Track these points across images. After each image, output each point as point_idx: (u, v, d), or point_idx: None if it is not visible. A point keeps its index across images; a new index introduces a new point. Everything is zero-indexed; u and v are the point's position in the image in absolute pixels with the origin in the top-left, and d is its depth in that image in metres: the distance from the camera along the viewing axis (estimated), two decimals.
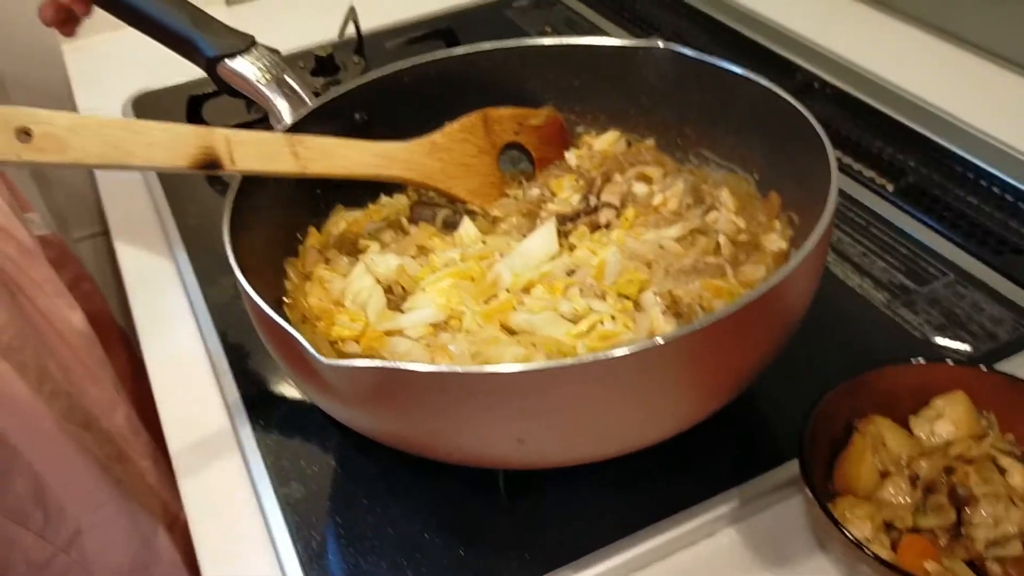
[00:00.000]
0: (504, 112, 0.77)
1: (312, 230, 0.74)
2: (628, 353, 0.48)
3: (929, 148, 0.93)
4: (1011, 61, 1.02)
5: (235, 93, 0.77)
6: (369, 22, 1.15)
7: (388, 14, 1.26)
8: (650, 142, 0.79)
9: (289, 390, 0.74)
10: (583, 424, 0.53)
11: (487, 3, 1.30)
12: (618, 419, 0.54)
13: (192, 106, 1.03)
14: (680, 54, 0.75)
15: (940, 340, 0.72)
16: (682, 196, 0.71)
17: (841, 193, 0.86)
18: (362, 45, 1.09)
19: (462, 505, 0.64)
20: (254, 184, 0.66)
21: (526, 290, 0.64)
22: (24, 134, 0.53)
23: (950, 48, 1.07)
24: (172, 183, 0.99)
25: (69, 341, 0.86)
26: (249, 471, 0.68)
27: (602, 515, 0.62)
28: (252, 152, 0.62)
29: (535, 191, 0.75)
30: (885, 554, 0.53)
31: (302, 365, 0.52)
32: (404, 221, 0.74)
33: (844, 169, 0.91)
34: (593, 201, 0.71)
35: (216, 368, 0.77)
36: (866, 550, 0.51)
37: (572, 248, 0.67)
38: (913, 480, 0.56)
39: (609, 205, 0.70)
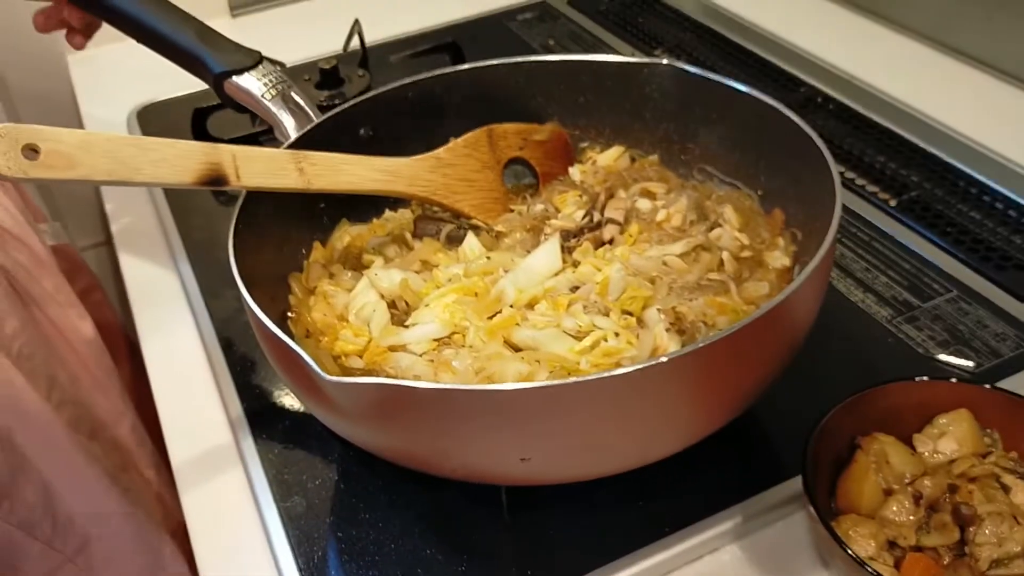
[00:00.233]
0: (508, 127, 0.78)
1: (316, 245, 0.74)
2: (632, 371, 0.49)
3: (932, 163, 0.93)
4: (1014, 76, 1.02)
5: (241, 108, 0.78)
6: (373, 34, 1.16)
7: (392, 26, 1.27)
8: (654, 158, 0.80)
9: (291, 403, 0.74)
10: (586, 442, 0.53)
11: (491, 16, 1.31)
12: (622, 437, 0.54)
13: (197, 118, 1.03)
14: (683, 71, 0.75)
15: (943, 356, 0.72)
16: (686, 212, 0.71)
17: (844, 208, 0.86)
18: (367, 58, 1.10)
19: (464, 520, 0.64)
20: (259, 199, 0.66)
21: (530, 306, 0.64)
22: (32, 151, 0.54)
23: (954, 63, 1.08)
24: (176, 195, 0.99)
25: (78, 351, 0.87)
26: (251, 484, 0.68)
27: (605, 531, 0.62)
28: (258, 168, 0.62)
29: (539, 207, 0.75)
30: (888, 573, 0.53)
31: (305, 381, 0.52)
32: (408, 236, 0.74)
33: (847, 183, 0.91)
34: (597, 217, 0.71)
35: (219, 380, 0.77)
36: (869, 569, 0.51)
37: (576, 264, 0.67)
38: (917, 498, 0.56)
39: (613, 221, 0.70)
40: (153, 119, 1.12)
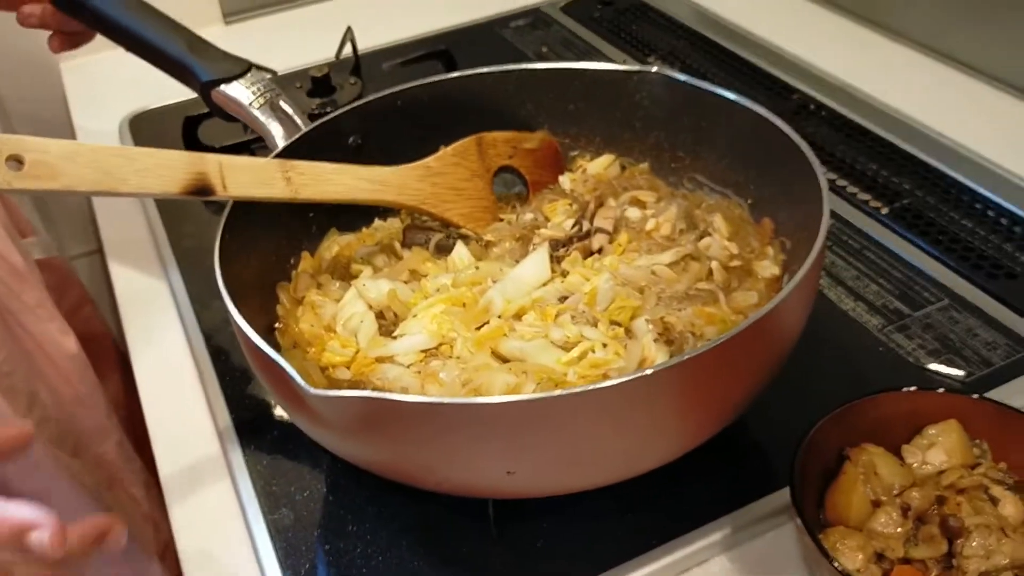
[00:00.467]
0: (498, 136, 0.78)
1: (305, 254, 0.74)
2: (619, 383, 0.48)
3: (924, 171, 0.93)
4: (1007, 83, 1.02)
5: (229, 117, 0.77)
6: (365, 41, 1.15)
7: (385, 34, 1.27)
8: (644, 166, 0.79)
9: (280, 414, 0.73)
10: (573, 454, 0.53)
11: (484, 23, 1.31)
12: (609, 449, 0.53)
13: (188, 126, 1.03)
14: (673, 79, 0.75)
15: (934, 365, 0.72)
16: (675, 221, 0.70)
17: (835, 215, 0.86)
18: (359, 66, 1.09)
19: (452, 533, 0.63)
20: (246, 209, 0.66)
21: (518, 316, 0.64)
22: (16, 162, 0.53)
23: (946, 70, 1.08)
24: (167, 203, 0.98)
25: (60, 366, 0.86)
26: (239, 496, 0.68)
27: (593, 543, 0.62)
28: (244, 178, 0.62)
29: (529, 215, 0.75)
30: None
31: (290, 394, 0.52)
32: (397, 245, 0.74)
33: (838, 191, 0.91)
34: (586, 226, 0.71)
35: (208, 391, 0.76)
36: None
37: (565, 274, 0.67)
38: (905, 510, 0.56)
39: (602, 230, 0.70)
40: (145, 127, 1.12)
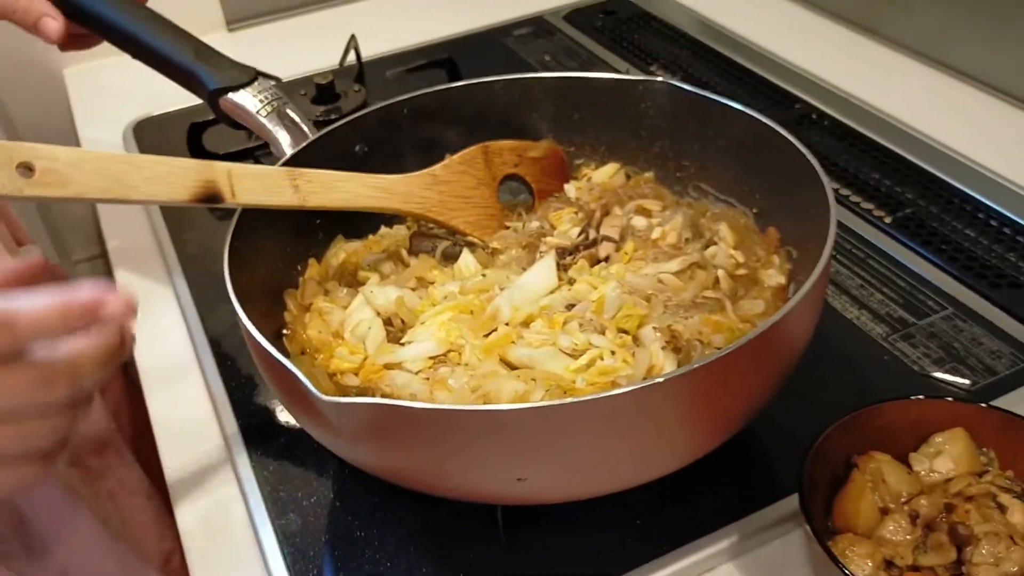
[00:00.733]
0: (504, 144, 0.78)
1: (312, 261, 0.74)
2: (629, 391, 0.49)
3: (927, 180, 0.93)
4: (1009, 94, 1.03)
5: (236, 124, 0.78)
6: (369, 49, 1.16)
7: (389, 42, 1.27)
8: (649, 175, 0.80)
9: (287, 420, 0.73)
10: (583, 461, 0.53)
11: (487, 31, 1.31)
12: (618, 456, 0.53)
13: (193, 133, 1.03)
14: (679, 88, 0.75)
15: (939, 374, 0.72)
16: (681, 230, 0.71)
17: (839, 225, 0.86)
18: (363, 73, 1.10)
19: (460, 539, 0.63)
20: (254, 216, 0.66)
21: (525, 324, 0.64)
22: (26, 169, 0.54)
23: (948, 80, 1.08)
24: (172, 209, 0.98)
25: None
26: (246, 502, 0.68)
27: (601, 550, 0.62)
28: (253, 186, 0.62)
29: (535, 224, 0.75)
30: None
31: (300, 400, 0.52)
32: (404, 252, 0.74)
33: (842, 200, 0.91)
34: (592, 234, 0.71)
35: (214, 397, 0.76)
36: None
37: (571, 282, 0.67)
38: (913, 518, 0.56)
39: (608, 239, 0.70)
40: (149, 134, 1.12)
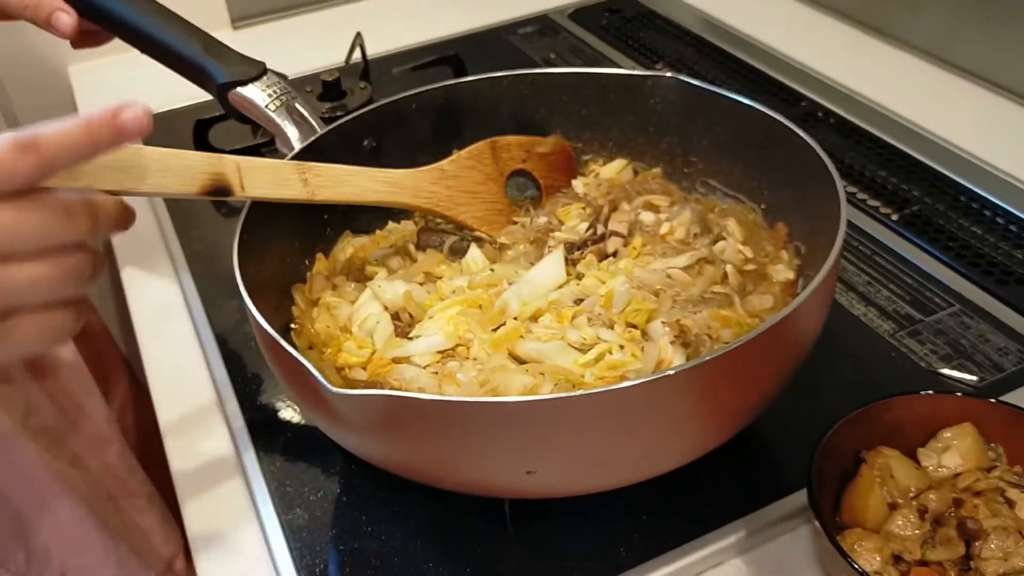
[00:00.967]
0: (512, 140, 0.78)
1: (320, 256, 0.74)
2: (637, 384, 0.49)
3: (933, 178, 0.93)
4: (1015, 92, 1.03)
5: (244, 118, 0.78)
6: (375, 46, 1.16)
7: (394, 39, 1.27)
8: (657, 170, 0.80)
9: (293, 415, 0.74)
10: (591, 455, 0.53)
11: (493, 29, 1.31)
12: (626, 450, 0.53)
13: (199, 130, 1.03)
14: (688, 83, 0.75)
15: (946, 370, 0.72)
16: (689, 225, 0.71)
17: (846, 222, 0.86)
18: (368, 70, 1.10)
19: (467, 532, 0.63)
20: (263, 211, 0.66)
21: (534, 318, 0.64)
22: None
23: (954, 78, 1.08)
24: (178, 206, 0.99)
25: (59, 375, 0.83)
26: (253, 497, 0.68)
27: (608, 545, 0.62)
28: (262, 179, 0.62)
29: (542, 219, 0.75)
30: None
31: (310, 393, 0.52)
32: (411, 247, 0.74)
33: (848, 198, 0.90)
34: (600, 229, 0.71)
35: (220, 392, 0.76)
36: None
37: (580, 277, 0.67)
38: (922, 512, 0.56)
39: (616, 234, 0.70)
40: (155, 131, 1.11)
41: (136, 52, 0.80)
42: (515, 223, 0.76)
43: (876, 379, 0.72)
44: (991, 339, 0.74)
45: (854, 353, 0.74)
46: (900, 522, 0.56)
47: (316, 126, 0.74)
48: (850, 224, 0.87)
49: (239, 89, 0.75)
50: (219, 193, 0.60)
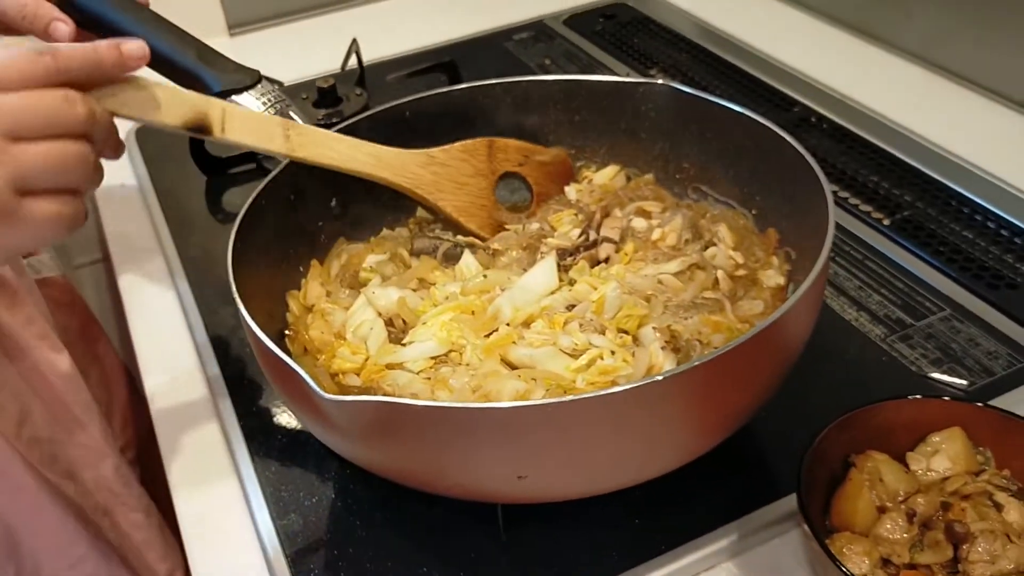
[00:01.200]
0: (511, 143, 0.79)
1: (314, 263, 0.75)
2: (628, 389, 0.49)
3: (925, 183, 0.94)
4: (1006, 97, 1.03)
5: None
6: (370, 53, 1.16)
7: (390, 46, 1.28)
8: (649, 176, 0.80)
9: (288, 420, 0.74)
10: (583, 460, 0.53)
11: (487, 35, 1.32)
12: (618, 454, 0.54)
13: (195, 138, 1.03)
14: (679, 91, 0.76)
15: (936, 374, 0.72)
16: (681, 231, 0.71)
17: (837, 227, 0.87)
18: (364, 77, 1.10)
19: (461, 537, 0.64)
20: (257, 216, 0.67)
21: (526, 324, 0.64)
22: None
23: (946, 83, 1.09)
24: (175, 213, 0.99)
25: (53, 385, 0.83)
26: (248, 502, 0.68)
27: (601, 549, 0.62)
28: (244, 126, 0.64)
29: (535, 225, 0.76)
30: None
31: (303, 399, 0.53)
32: (405, 254, 0.75)
33: (840, 203, 0.92)
34: (592, 235, 0.72)
35: (216, 398, 0.77)
36: None
37: (572, 282, 0.68)
38: (910, 516, 0.57)
39: (608, 240, 0.71)
40: (151, 138, 1.12)
41: None
42: (508, 229, 0.77)
43: (867, 383, 0.72)
44: (981, 343, 0.75)
45: (845, 357, 0.75)
46: (889, 525, 0.56)
47: None
48: (842, 229, 0.88)
49: (234, 97, 0.75)
50: (199, 130, 0.62)
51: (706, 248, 0.71)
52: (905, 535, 0.56)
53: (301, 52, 1.31)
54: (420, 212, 0.81)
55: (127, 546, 0.86)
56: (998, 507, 0.56)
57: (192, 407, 0.77)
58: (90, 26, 0.76)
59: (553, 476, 0.55)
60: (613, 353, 0.61)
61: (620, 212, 0.75)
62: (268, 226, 0.68)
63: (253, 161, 1.04)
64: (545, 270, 0.68)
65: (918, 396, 0.62)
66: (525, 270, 0.70)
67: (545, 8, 1.37)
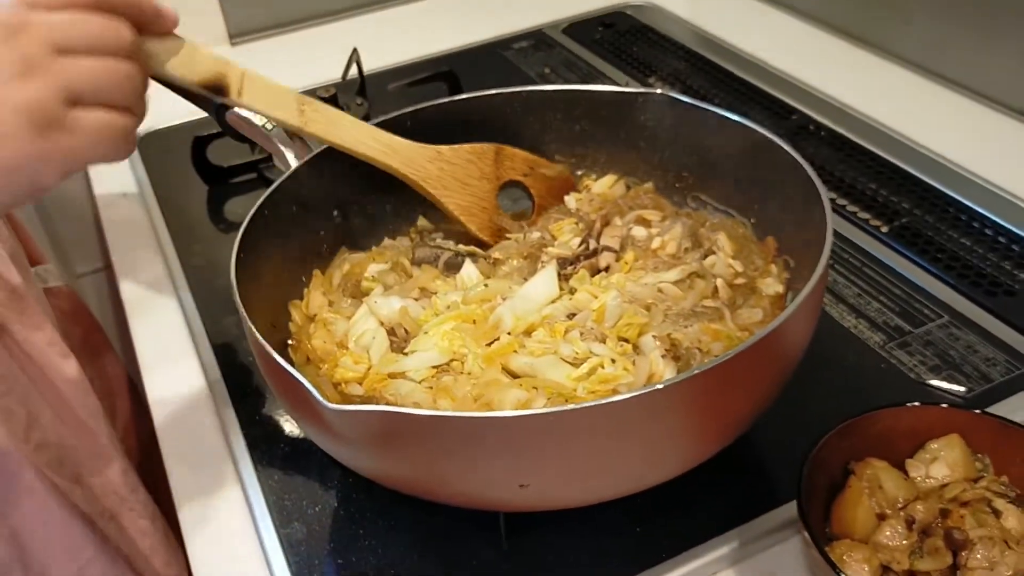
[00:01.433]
0: (519, 152, 0.79)
1: (316, 272, 0.75)
2: (629, 398, 0.49)
3: (923, 190, 0.94)
4: (1004, 104, 1.04)
5: (242, 137, 0.79)
6: (371, 63, 1.17)
7: (390, 55, 1.29)
8: (649, 186, 0.81)
9: (291, 429, 0.74)
10: (584, 468, 0.54)
11: (487, 45, 1.33)
12: (619, 463, 0.54)
13: (197, 146, 1.04)
14: (677, 100, 0.76)
15: (934, 381, 0.73)
16: (680, 240, 0.72)
17: (836, 234, 0.88)
18: (365, 86, 1.11)
19: (463, 545, 0.64)
20: (260, 226, 0.67)
21: (527, 333, 0.65)
22: None
23: (943, 91, 1.10)
24: (177, 222, 1.00)
25: (61, 390, 0.83)
26: (251, 511, 0.69)
27: (602, 556, 0.62)
28: (261, 94, 0.65)
29: (535, 234, 0.76)
30: None
31: (306, 408, 0.53)
32: (407, 263, 0.75)
33: (838, 210, 0.92)
34: (593, 245, 0.72)
35: (219, 407, 0.77)
36: None
37: (572, 291, 0.68)
38: (909, 523, 0.57)
39: (609, 249, 0.71)
40: (154, 146, 1.13)
41: None
42: (509, 238, 0.77)
43: (866, 391, 0.73)
44: (979, 350, 0.75)
45: (844, 365, 0.75)
46: (888, 533, 0.57)
47: (311, 145, 0.75)
48: (840, 236, 0.89)
49: (237, 108, 0.76)
50: (216, 90, 0.63)
51: (705, 256, 0.71)
52: (904, 542, 0.56)
53: (302, 61, 1.32)
54: (421, 221, 0.82)
55: (134, 551, 0.86)
56: (997, 514, 0.57)
57: (195, 416, 0.78)
58: None
59: (555, 484, 0.55)
60: (614, 361, 0.61)
61: (620, 221, 0.75)
62: (271, 236, 0.69)
63: (254, 171, 1.05)
64: (546, 279, 0.69)
65: (917, 403, 0.62)
66: (526, 279, 0.70)
67: (544, 17, 1.38)
